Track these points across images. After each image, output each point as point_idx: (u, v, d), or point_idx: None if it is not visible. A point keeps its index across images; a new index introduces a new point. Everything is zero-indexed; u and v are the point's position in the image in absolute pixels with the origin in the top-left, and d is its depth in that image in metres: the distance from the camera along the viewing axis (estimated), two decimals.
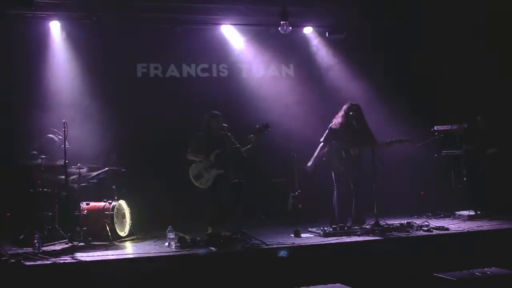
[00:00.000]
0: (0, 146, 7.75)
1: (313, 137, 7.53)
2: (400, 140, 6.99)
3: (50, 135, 7.07)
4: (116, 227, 6.80)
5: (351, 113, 7.01)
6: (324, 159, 7.18)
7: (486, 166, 7.99)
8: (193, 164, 6.74)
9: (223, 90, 9.15)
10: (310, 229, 6.79)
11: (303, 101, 9.32)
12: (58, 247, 6.21)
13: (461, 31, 9.02)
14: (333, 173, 7.14)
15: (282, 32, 8.05)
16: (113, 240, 6.61)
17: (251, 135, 6.65)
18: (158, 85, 9.02)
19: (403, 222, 6.92)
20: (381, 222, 6.71)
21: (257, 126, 6.77)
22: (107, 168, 7.27)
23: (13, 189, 7.23)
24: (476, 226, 6.86)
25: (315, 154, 7.18)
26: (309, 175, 7.39)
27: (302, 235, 6.59)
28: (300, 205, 8.41)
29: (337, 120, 7.15)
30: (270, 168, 8.95)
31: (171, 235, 6.36)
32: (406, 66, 9.52)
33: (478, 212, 7.63)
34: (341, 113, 7.13)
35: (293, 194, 8.53)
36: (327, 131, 7.19)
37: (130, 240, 6.93)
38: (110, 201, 6.96)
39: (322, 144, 7.17)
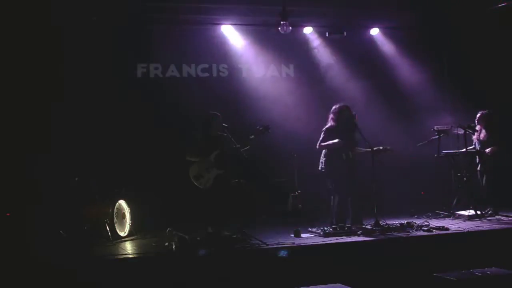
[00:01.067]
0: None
1: (313, 136, 7.52)
2: (384, 150, 7.00)
3: None
4: (116, 227, 6.80)
5: (344, 114, 6.98)
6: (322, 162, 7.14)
7: (486, 164, 7.98)
8: (193, 164, 6.75)
9: (223, 90, 9.14)
10: (310, 229, 6.79)
11: (303, 101, 9.33)
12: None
13: None
14: (333, 175, 7.08)
15: (282, 32, 8.05)
16: (113, 240, 6.61)
17: (251, 136, 6.66)
18: (158, 85, 9.01)
19: (403, 222, 6.91)
20: (381, 222, 6.71)
21: (257, 127, 6.76)
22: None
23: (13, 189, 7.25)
24: (476, 226, 6.86)
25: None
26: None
27: (302, 235, 6.59)
28: (300, 205, 8.42)
29: (331, 122, 7.12)
30: (270, 168, 8.95)
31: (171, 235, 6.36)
32: None
33: (478, 212, 7.63)
34: (332, 115, 7.10)
35: (293, 194, 8.52)
36: (323, 134, 7.10)
37: (130, 240, 6.93)
38: (110, 201, 6.96)
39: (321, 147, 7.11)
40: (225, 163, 6.73)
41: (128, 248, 6.36)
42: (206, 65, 9.30)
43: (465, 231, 6.57)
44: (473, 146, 8.22)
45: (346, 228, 6.63)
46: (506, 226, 6.86)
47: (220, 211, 6.67)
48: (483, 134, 8.02)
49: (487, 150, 7.88)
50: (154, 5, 8.29)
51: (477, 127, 8.05)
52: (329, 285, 4.58)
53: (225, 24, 9.06)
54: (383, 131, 7.77)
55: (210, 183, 6.65)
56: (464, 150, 8.03)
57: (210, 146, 6.76)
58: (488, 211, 7.82)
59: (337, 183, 6.99)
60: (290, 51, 9.55)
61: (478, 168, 8.08)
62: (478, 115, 8.06)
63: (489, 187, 7.96)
